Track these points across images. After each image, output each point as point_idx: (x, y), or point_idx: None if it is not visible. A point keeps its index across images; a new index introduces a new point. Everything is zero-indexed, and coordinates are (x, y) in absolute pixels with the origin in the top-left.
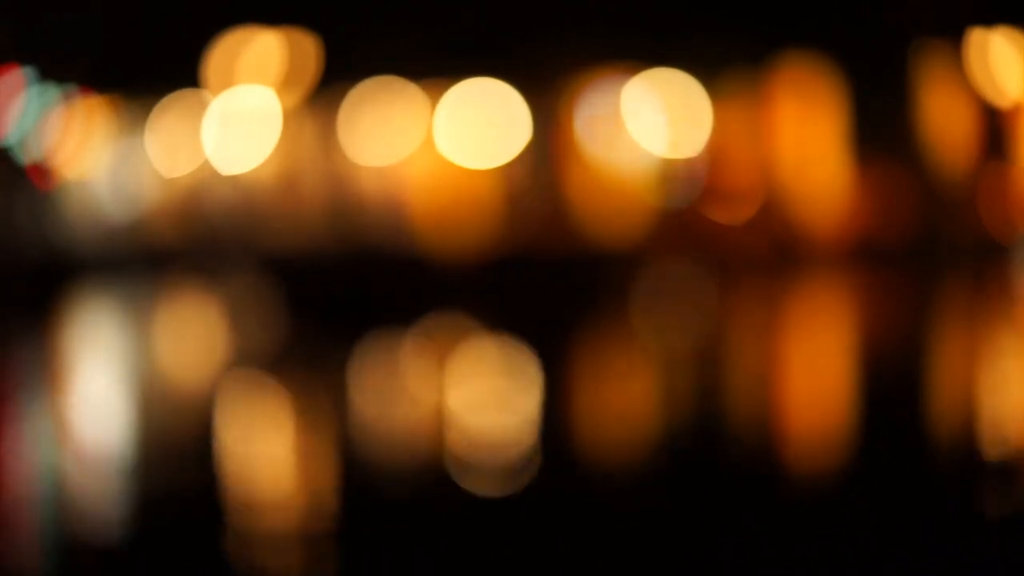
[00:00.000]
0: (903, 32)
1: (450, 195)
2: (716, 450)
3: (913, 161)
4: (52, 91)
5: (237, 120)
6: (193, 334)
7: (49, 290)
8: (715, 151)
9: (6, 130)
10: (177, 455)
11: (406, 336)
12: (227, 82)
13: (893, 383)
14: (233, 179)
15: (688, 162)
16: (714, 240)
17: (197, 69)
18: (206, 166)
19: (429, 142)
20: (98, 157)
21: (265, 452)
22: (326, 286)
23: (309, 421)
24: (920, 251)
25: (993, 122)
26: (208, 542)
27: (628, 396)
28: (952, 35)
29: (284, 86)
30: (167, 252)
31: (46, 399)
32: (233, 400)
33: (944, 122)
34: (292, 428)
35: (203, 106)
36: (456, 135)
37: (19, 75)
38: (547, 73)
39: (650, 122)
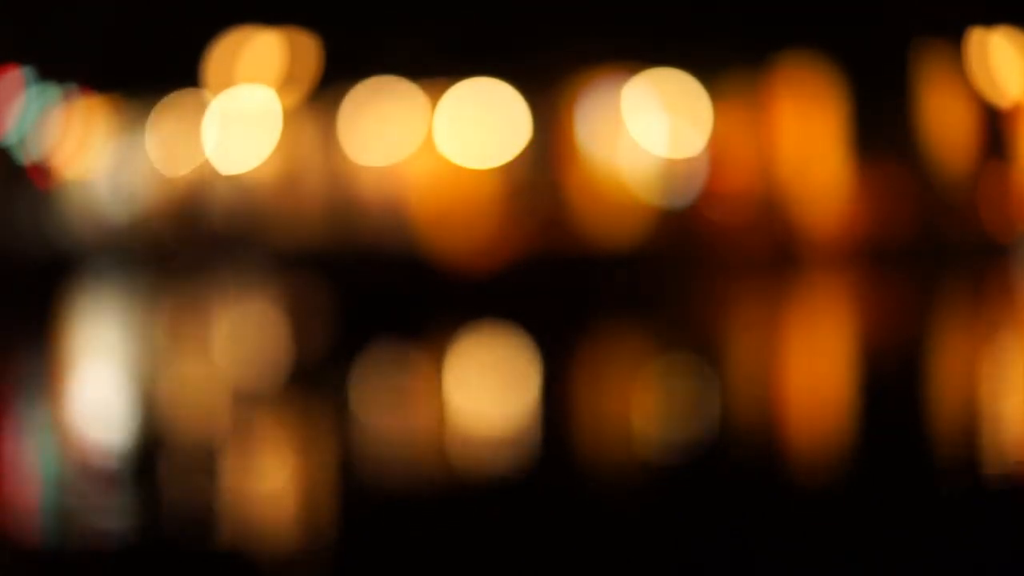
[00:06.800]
0: (903, 32)
1: (450, 195)
2: (717, 451)
3: (913, 161)
4: (52, 91)
5: (237, 120)
6: (193, 334)
7: (49, 290)
8: (715, 151)
9: (6, 130)
10: (178, 458)
11: (407, 338)
12: (227, 82)
13: (893, 383)
14: (233, 179)
15: (688, 162)
16: (714, 240)
17: (197, 69)
18: (206, 166)
19: (429, 142)
20: (98, 157)
21: (268, 456)
22: (325, 286)
23: (311, 424)
24: (920, 251)
25: (993, 122)
26: (209, 546)
27: (629, 397)
28: (952, 35)
29: (284, 86)
30: (167, 252)
31: (46, 400)
32: (235, 403)
33: (944, 122)
34: (294, 431)
35: (203, 106)
36: (456, 135)
37: (19, 75)
38: (547, 73)
39: (650, 122)
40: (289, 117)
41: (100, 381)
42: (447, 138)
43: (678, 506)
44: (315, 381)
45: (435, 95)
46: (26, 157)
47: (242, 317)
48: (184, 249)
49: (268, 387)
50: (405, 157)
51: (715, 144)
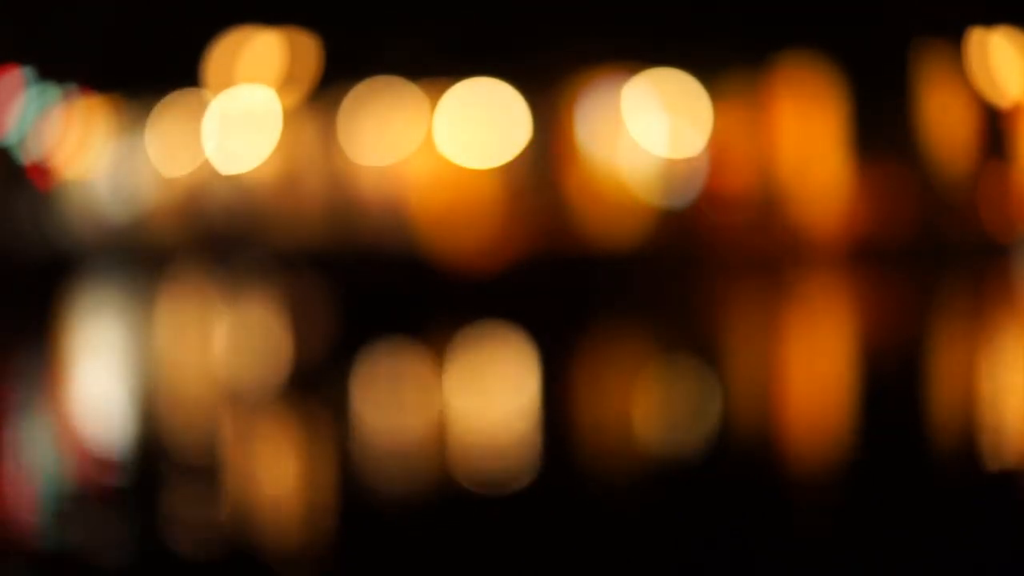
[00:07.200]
0: (903, 32)
1: (450, 195)
2: (717, 451)
3: (913, 161)
4: (52, 91)
5: (237, 120)
6: (193, 334)
7: (49, 290)
8: (715, 151)
9: (6, 130)
10: (178, 459)
11: (407, 338)
12: (227, 82)
13: (893, 383)
14: (233, 179)
15: (688, 162)
16: (714, 240)
17: (197, 69)
18: (206, 166)
19: (429, 142)
20: (98, 157)
21: (268, 457)
22: (325, 286)
23: (311, 424)
24: (920, 251)
25: (993, 122)
26: (210, 549)
27: (629, 397)
28: (952, 35)
29: (284, 86)
30: (167, 252)
31: (46, 401)
32: (235, 403)
33: (944, 122)
34: (294, 431)
35: (203, 106)
36: (456, 135)
37: (19, 75)
38: (547, 73)
39: (650, 122)
40: (289, 117)
41: (100, 382)
42: (447, 138)
43: (678, 506)
44: (315, 381)
45: (435, 95)
46: (26, 157)
47: (242, 317)
48: (184, 249)
49: (268, 387)
50: (405, 157)
51: (715, 144)
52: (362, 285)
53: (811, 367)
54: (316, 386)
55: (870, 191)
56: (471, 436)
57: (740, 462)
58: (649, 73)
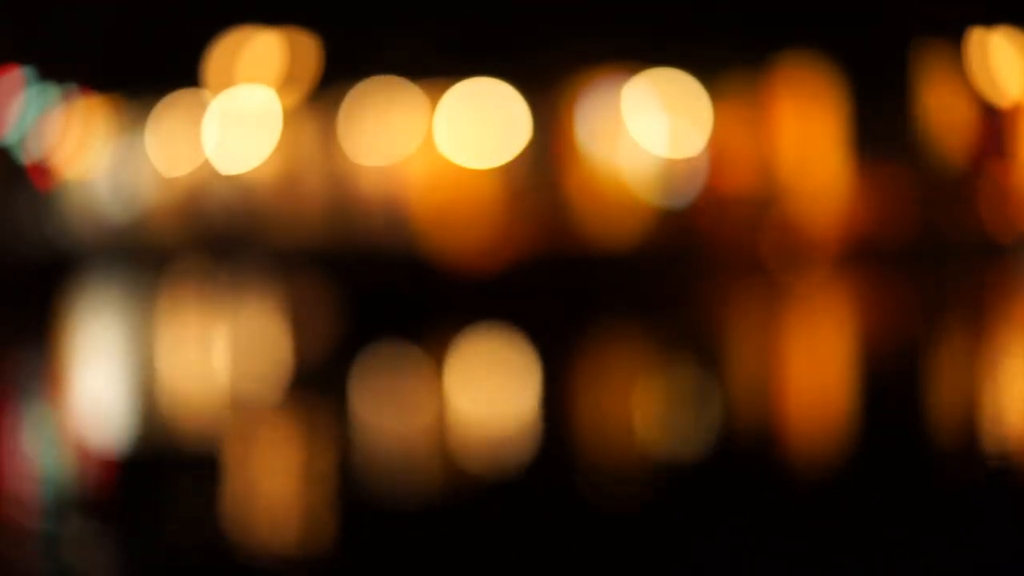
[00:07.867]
0: (903, 32)
1: (450, 195)
2: (717, 450)
3: (913, 161)
4: (52, 91)
5: (237, 120)
6: (193, 334)
7: (49, 290)
8: (715, 151)
9: (6, 130)
10: (179, 459)
11: (407, 338)
12: (227, 82)
13: (893, 383)
14: (233, 179)
15: (688, 162)
16: (714, 240)
17: (197, 69)
18: (206, 166)
19: (429, 142)
20: (98, 157)
21: (269, 456)
22: (325, 287)
23: (312, 424)
24: (920, 251)
25: (993, 122)
26: (212, 549)
27: (629, 397)
28: (952, 35)
29: (284, 86)
30: (167, 252)
31: (46, 401)
32: (235, 403)
33: (944, 122)
34: (295, 430)
35: (203, 106)
36: (456, 135)
37: (19, 75)
38: (547, 73)
39: (650, 122)
40: (289, 117)
41: (100, 381)
42: (447, 138)
43: (678, 506)
44: (315, 381)
45: (435, 95)
46: (26, 157)
47: (243, 317)
48: (184, 249)
49: (269, 387)
50: (405, 157)
51: (715, 144)
52: (362, 285)
53: (811, 367)
54: (317, 385)
55: (870, 191)
56: (471, 436)
57: (740, 462)
58: (649, 73)
